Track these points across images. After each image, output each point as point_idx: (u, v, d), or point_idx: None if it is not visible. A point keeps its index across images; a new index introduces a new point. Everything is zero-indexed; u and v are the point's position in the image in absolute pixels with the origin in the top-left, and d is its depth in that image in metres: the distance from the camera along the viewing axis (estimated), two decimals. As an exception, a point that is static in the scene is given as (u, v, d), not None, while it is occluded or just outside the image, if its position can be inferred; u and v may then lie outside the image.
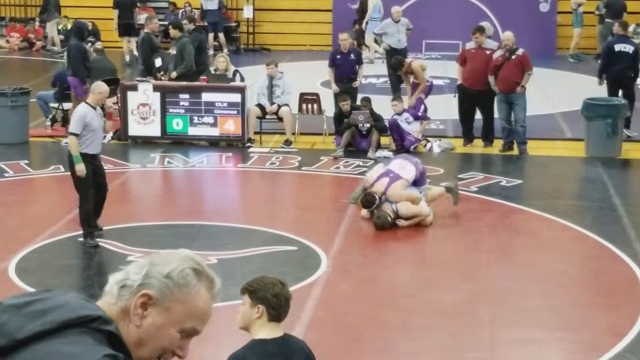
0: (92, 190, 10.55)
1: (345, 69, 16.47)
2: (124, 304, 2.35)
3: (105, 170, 13.95)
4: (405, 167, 11.55)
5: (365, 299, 9.39)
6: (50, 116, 16.37)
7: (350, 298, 9.39)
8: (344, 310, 9.06)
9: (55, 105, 16.35)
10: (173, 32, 16.55)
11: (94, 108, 10.53)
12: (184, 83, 16.25)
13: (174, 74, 15.95)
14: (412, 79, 16.62)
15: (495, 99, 15.21)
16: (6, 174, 13.65)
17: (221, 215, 12.04)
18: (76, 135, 10.34)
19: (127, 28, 25.02)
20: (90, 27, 15.93)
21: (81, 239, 10.79)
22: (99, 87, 10.61)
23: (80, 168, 10.36)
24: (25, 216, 11.05)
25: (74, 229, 11.10)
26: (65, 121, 16.60)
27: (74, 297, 2.32)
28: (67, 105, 16.54)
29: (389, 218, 11.26)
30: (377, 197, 11.37)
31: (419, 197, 11.38)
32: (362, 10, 25.00)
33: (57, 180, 13.34)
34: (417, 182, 11.62)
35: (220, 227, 11.49)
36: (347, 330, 8.64)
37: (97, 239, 10.69)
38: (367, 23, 24.48)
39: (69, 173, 10.73)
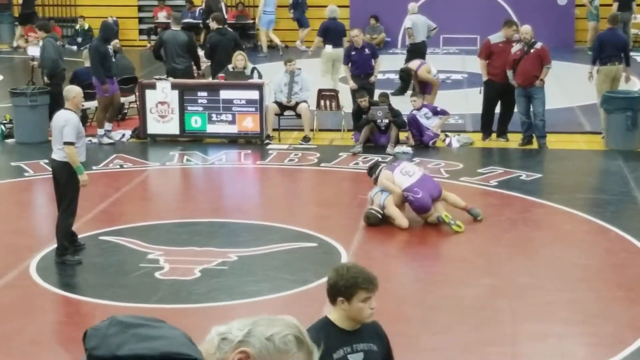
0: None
1: (361, 64, 16.46)
2: (222, 356, 2.38)
3: (126, 169, 14.12)
4: (408, 174, 11.44)
5: (386, 295, 9.33)
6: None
7: (370, 294, 9.37)
8: (364, 306, 9.04)
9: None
10: (39, 32, 16.65)
11: (77, 113, 10.22)
12: (203, 81, 16.29)
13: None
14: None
15: (515, 93, 15.16)
16: (26, 173, 13.72)
17: (241, 212, 12.06)
18: (73, 144, 9.89)
19: (27, 17, 25.91)
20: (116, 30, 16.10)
21: (103, 238, 10.84)
22: (73, 91, 10.24)
23: (85, 178, 9.97)
24: (45, 215, 11.10)
25: (94, 228, 11.15)
26: (84, 120, 16.68)
27: (182, 335, 2.36)
28: (85, 104, 16.58)
29: (379, 215, 11.24)
30: (379, 170, 11.65)
31: (397, 192, 11.27)
32: (208, 10, 25.13)
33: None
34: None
35: (239, 224, 11.51)
36: (368, 326, 8.63)
37: (116, 238, 10.71)
38: (259, 18, 24.70)
39: (58, 184, 10.11)
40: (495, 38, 15.60)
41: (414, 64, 17.05)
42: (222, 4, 24.83)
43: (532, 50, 14.92)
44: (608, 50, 15.61)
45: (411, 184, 11.27)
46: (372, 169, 11.84)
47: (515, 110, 15.27)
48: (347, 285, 4.98)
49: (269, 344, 2.38)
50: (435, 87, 16.58)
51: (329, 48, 18.43)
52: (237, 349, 2.37)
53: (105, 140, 15.50)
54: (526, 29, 15.17)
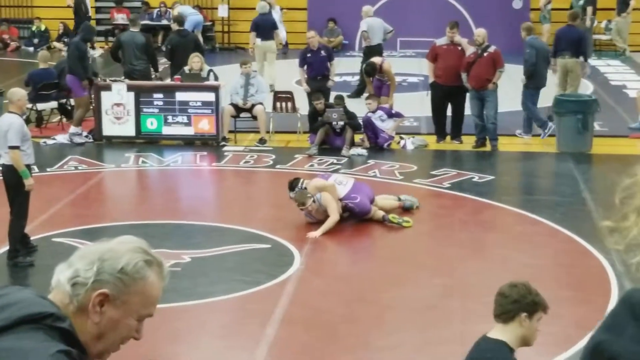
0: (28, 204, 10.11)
1: (317, 66, 16.55)
2: (79, 302, 2.37)
3: (80, 170, 14.08)
4: (342, 184, 11.55)
5: (338, 296, 9.47)
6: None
7: (323, 295, 9.46)
8: (317, 307, 9.13)
9: (29, 105, 16.30)
10: None
11: (21, 116, 10.14)
12: (159, 82, 16.30)
13: None
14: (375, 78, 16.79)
15: (468, 95, 15.34)
16: (-20, 175, 13.64)
17: (195, 214, 12.09)
18: (18, 147, 9.79)
19: None
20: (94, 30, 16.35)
21: (56, 239, 10.82)
22: (17, 94, 10.10)
23: (31, 182, 9.91)
24: (-1, 217, 11.04)
25: (46, 230, 11.11)
26: (40, 121, 16.62)
27: (30, 293, 2.35)
28: (40, 106, 16.55)
29: (307, 196, 11.21)
30: (301, 183, 11.48)
31: (329, 185, 11.36)
32: (76, 11, 25.22)
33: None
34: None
35: (194, 225, 11.53)
36: (321, 326, 8.71)
37: (69, 240, 10.70)
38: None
39: (7, 187, 10.07)
40: (441, 40, 15.83)
41: (377, 60, 17.17)
42: (87, 1, 25.01)
43: (485, 54, 15.10)
44: (562, 44, 16.50)
45: (347, 192, 11.42)
46: (294, 184, 11.53)
47: (469, 113, 15.45)
48: (535, 302, 4.79)
49: (123, 276, 2.38)
50: (393, 86, 16.69)
51: (258, 41, 19.95)
52: (94, 292, 2.36)
53: (77, 139, 15.49)
54: (479, 32, 15.36)
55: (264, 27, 20.09)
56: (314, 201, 11.25)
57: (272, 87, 18.11)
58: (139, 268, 2.41)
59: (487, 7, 25.18)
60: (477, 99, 15.13)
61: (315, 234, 11.00)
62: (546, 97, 16.17)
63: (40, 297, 2.34)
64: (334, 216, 11.14)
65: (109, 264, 2.39)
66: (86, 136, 15.79)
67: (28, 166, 10.02)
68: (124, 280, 2.39)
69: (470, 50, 15.35)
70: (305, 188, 11.42)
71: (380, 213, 11.45)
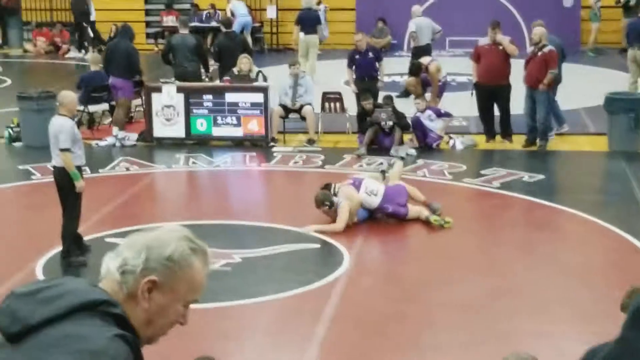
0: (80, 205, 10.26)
1: (365, 68, 16.56)
2: (128, 289, 2.45)
3: (131, 172, 14.23)
4: (373, 194, 11.51)
5: (387, 295, 9.48)
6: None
7: (373, 294, 9.48)
8: (367, 306, 9.15)
9: (81, 108, 16.50)
10: None
11: (72, 119, 10.29)
12: (208, 84, 16.43)
13: None
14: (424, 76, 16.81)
15: (505, 94, 15.31)
16: (33, 177, 13.85)
17: (245, 214, 12.15)
18: (69, 150, 9.94)
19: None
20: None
21: (109, 240, 10.95)
22: (68, 97, 10.20)
23: (81, 184, 10.05)
24: (52, 218, 11.18)
25: (100, 230, 11.26)
26: (91, 123, 16.82)
27: (82, 283, 2.44)
28: (92, 108, 16.74)
29: (328, 197, 11.28)
30: (333, 187, 11.56)
31: (356, 199, 11.35)
32: (75, 9, 25.36)
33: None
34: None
35: (244, 226, 11.60)
36: (371, 325, 8.73)
37: (122, 240, 10.82)
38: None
39: (59, 189, 10.22)
40: (483, 40, 15.77)
41: (425, 59, 17.20)
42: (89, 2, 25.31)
43: (539, 53, 14.96)
44: (632, 36, 17.77)
45: (379, 203, 11.45)
46: (326, 188, 11.60)
47: (518, 112, 15.36)
48: None
49: (170, 264, 2.45)
50: (434, 89, 16.68)
51: (302, 35, 20.91)
52: (143, 279, 2.43)
53: (127, 142, 15.69)
54: (535, 31, 15.21)
55: (308, 21, 20.90)
56: (330, 206, 11.25)
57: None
58: (185, 255, 2.48)
59: (538, 6, 24.97)
60: (530, 97, 15.02)
61: (313, 227, 11.06)
62: (592, 97, 16.03)
63: (93, 286, 2.43)
64: (338, 225, 11.13)
65: (157, 251, 2.46)
66: (138, 139, 15.88)
67: (79, 168, 10.14)
68: (171, 267, 2.46)
69: (514, 49, 15.33)
70: (336, 194, 11.43)
71: (425, 213, 11.41)
